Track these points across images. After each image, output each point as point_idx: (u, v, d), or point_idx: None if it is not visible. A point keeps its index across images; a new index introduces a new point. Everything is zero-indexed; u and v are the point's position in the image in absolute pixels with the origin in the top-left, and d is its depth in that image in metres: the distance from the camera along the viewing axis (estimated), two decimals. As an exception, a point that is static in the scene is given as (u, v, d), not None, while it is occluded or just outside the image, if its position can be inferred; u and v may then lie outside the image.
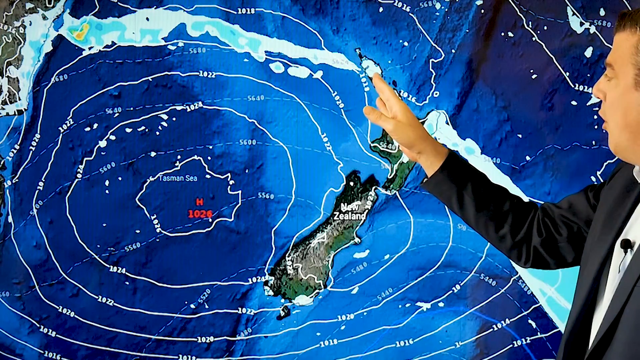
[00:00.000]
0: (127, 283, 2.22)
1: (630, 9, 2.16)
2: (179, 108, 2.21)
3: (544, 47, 2.22)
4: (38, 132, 2.18)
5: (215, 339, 2.24)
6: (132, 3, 2.18)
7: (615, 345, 1.22)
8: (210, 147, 2.22)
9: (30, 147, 2.18)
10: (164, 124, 2.21)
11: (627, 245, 1.27)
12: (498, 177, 2.24)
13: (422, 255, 2.25)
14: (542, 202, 1.59)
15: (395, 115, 1.52)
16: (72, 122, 2.19)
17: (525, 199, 1.64)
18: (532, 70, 2.22)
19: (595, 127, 2.23)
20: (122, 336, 2.22)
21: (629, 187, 1.36)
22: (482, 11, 2.21)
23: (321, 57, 2.22)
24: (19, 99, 2.18)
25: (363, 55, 2.22)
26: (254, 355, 2.25)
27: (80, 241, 2.20)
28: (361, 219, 2.25)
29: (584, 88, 2.22)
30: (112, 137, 2.20)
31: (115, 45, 2.19)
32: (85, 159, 2.20)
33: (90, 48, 2.18)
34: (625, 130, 1.25)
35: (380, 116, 1.52)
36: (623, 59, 1.24)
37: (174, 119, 2.21)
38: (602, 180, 2.22)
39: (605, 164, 2.23)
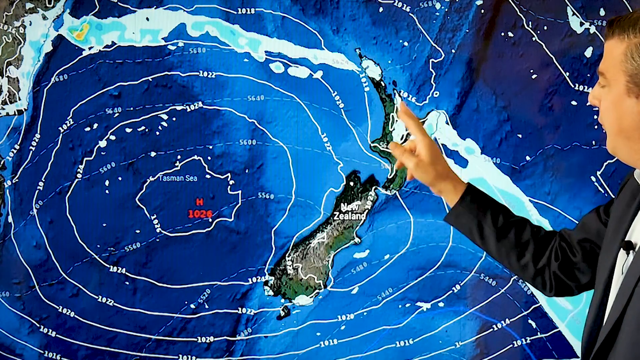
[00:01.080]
0: (127, 283, 2.22)
1: (630, 9, 2.16)
2: (179, 108, 2.21)
3: (544, 47, 2.22)
4: (38, 132, 2.18)
5: (215, 339, 2.24)
6: (132, 3, 2.18)
7: (618, 347, 1.22)
8: (210, 147, 2.22)
9: (30, 147, 2.18)
10: (164, 124, 2.21)
11: (629, 246, 1.27)
12: (498, 177, 2.24)
13: (422, 255, 2.25)
14: (561, 229, 1.59)
15: (419, 152, 1.52)
16: (72, 122, 2.19)
17: (548, 227, 1.65)
18: (532, 70, 2.22)
19: (595, 127, 2.23)
20: (122, 336, 2.22)
21: (635, 193, 1.37)
22: (482, 11, 2.21)
23: (321, 57, 2.22)
24: (19, 99, 2.18)
25: (363, 55, 2.22)
26: (254, 355, 2.25)
27: (80, 241, 2.20)
28: (361, 219, 2.25)
29: (584, 88, 2.22)
30: (112, 137, 2.20)
31: (115, 45, 2.19)
32: (85, 159, 2.20)
33: (90, 48, 2.18)
34: (619, 135, 1.26)
35: (403, 153, 1.52)
36: (614, 66, 1.24)
37: (174, 119, 2.21)
38: (602, 180, 2.22)
39: (605, 164, 2.23)
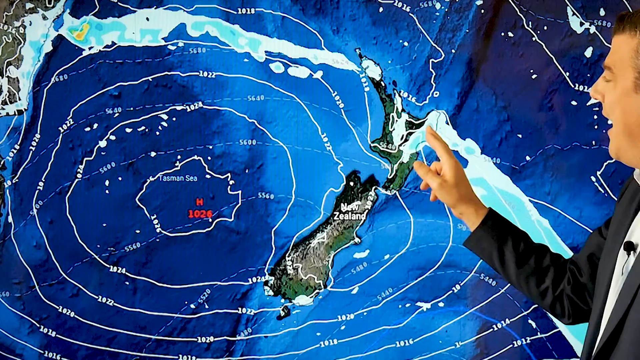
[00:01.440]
0: (127, 283, 2.22)
1: (630, 9, 2.16)
2: (179, 108, 2.21)
3: (544, 47, 2.22)
4: (38, 132, 2.18)
5: (215, 339, 2.25)
6: (132, 3, 2.18)
7: (621, 346, 1.22)
8: (210, 147, 2.22)
9: (30, 147, 2.18)
10: (164, 124, 2.21)
11: (629, 247, 1.27)
12: (498, 177, 2.24)
13: (422, 255, 2.25)
14: (574, 255, 1.59)
15: (444, 174, 1.52)
16: (72, 122, 2.19)
17: (567, 255, 1.65)
18: (532, 70, 2.22)
19: (595, 127, 2.23)
20: (122, 336, 2.22)
21: (635, 194, 1.37)
22: (482, 11, 2.21)
23: (321, 57, 2.22)
24: (19, 99, 2.18)
25: (363, 55, 2.22)
26: (254, 355, 2.25)
27: (80, 241, 2.20)
28: (361, 219, 2.25)
29: (584, 88, 2.22)
30: (112, 137, 2.20)
31: (115, 45, 2.19)
32: (85, 159, 2.20)
33: (90, 48, 2.18)
34: (624, 133, 1.25)
35: (428, 172, 1.52)
36: (622, 61, 1.24)
37: (174, 119, 2.21)
38: (602, 180, 2.22)
39: (605, 164, 2.23)
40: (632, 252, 1.27)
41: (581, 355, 1.38)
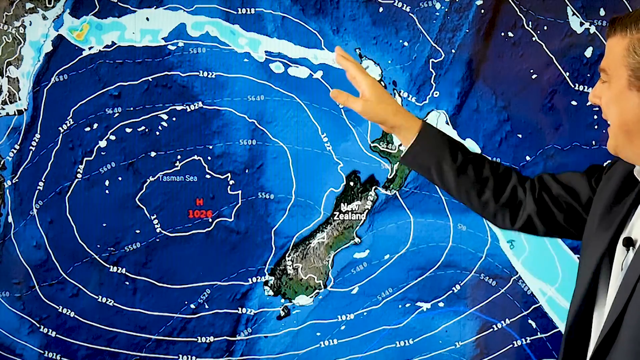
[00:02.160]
0: (127, 283, 2.22)
1: (630, 9, 2.17)
2: (179, 108, 2.21)
3: (544, 47, 2.22)
4: (38, 132, 2.18)
5: (215, 339, 2.25)
6: (132, 3, 2.18)
7: (620, 343, 1.23)
8: (210, 147, 2.22)
9: (30, 147, 2.18)
10: (164, 124, 2.21)
11: (629, 243, 1.28)
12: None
13: (422, 255, 2.25)
14: (540, 173, 1.58)
15: (363, 93, 1.50)
16: (72, 122, 2.19)
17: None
18: (532, 70, 2.22)
19: (595, 127, 2.23)
20: (122, 336, 2.22)
21: (628, 184, 1.38)
22: (482, 11, 2.21)
23: (321, 57, 2.22)
24: (19, 99, 2.18)
25: (363, 55, 2.22)
26: (254, 355, 2.25)
27: (80, 241, 2.20)
28: (361, 219, 2.25)
29: (584, 88, 2.22)
30: (112, 137, 2.20)
31: (115, 45, 2.19)
32: (85, 159, 2.20)
33: (90, 48, 2.18)
34: (621, 130, 1.29)
35: (347, 98, 1.50)
36: (616, 62, 1.28)
37: (174, 119, 2.21)
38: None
39: (605, 164, 2.22)
40: (631, 247, 1.28)
41: (561, 342, 1.38)
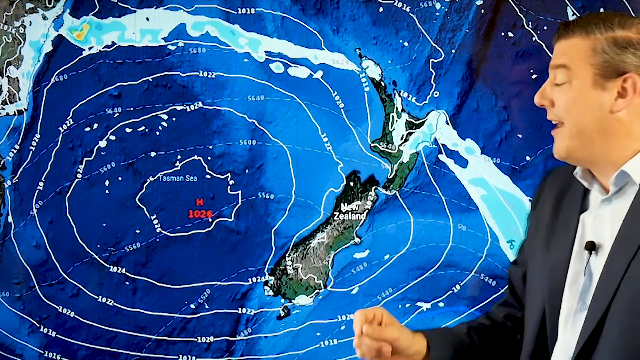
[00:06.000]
0: (127, 283, 2.22)
1: (630, 9, 2.17)
2: (179, 108, 2.21)
3: (544, 47, 2.22)
4: (38, 132, 2.18)
5: (215, 339, 2.25)
6: (132, 3, 2.18)
7: (602, 348, 1.22)
8: (210, 147, 2.22)
9: (30, 147, 2.18)
10: (164, 124, 2.21)
11: (592, 247, 1.28)
12: (498, 177, 2.23)
13: (422, 255, 2.25)
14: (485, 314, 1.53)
15: (397, 347, 1.38)
16: (72, 122, 2.19)
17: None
18: (532, 70, 2.22)
19: (595, 127, 2.23)
20: (122, 336, 2.23)
21: (565, 195, 1.38)
22: (482, 11, 2.21)
23: (321, 57, 2.22)
24: (19, 99, 2.18)
25: (363, 55, 2.22)
26: (254, 355, 2.25)
27: (80, 241, 2.20)
28: (361, 219, 2.25)
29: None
30: (112, 137, 2.20)
31: (115, 45, 2.19)
32: (85, 159, 2.20)
33: (90, 48, 2.18)
34: (577, 133, 1.29)
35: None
36: (577, 62, 1.28)
37: (174, 119, 2.21)
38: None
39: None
40: (599, 251, 1.27)
41: (525, 354, 1.36)
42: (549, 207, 1.40)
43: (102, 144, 2.20)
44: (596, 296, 1.24)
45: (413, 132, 2.23)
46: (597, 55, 1.27)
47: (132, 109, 2.20)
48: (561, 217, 1.37)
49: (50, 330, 2.21)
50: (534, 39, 2.22)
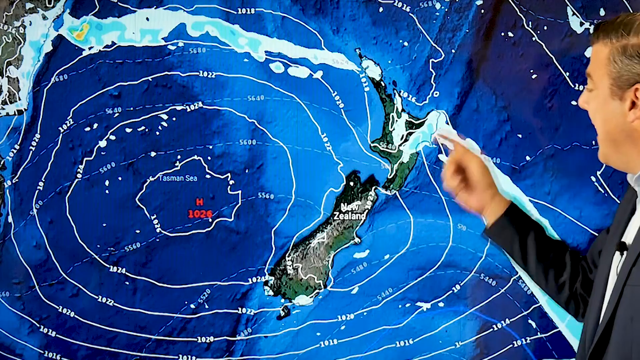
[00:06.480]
0: (127, 283, 2.22)
1: (630, 9, 2.17)
2: (179, 108, 2.21)
3: (544, 47, 2.22)
4: (38, 132, 2.18)
5: (215, 339, 2.25)
6: (132, 3, 2.18)
7: (611, 346, 1.23)
8: (210, 147, 2.22)
9: (30, 147, 2.18)
10: (164, 124, 2.21)
11: (622, 247, 1.29)
12: (498, 177, 2.24)
13: (422, 255, 2.25)
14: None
15: (471, 176, 1.53)
16: (72, 122, 2.19)
17: (548, 227, 1.67)
18: (532, 70, 2.22)
19: (595, 127, 2.23)
20: (122, 336, 2.22)
21: (630, 196, 1.39)
22: (482, 11, 2.21)
23: (321, 57, 2.22)
24: (19, 99, 2.18)
25: (363, 55, 2.22)
26: (254, 355, 2.25)
27: (80, 241, 2.20)
28: (361, 219, 2.25)
29: (584, 88, 2.22)
30: (112, 137, 2.20)
31: (115, 45, 2.19)
32: (85, 159, 2.20)
33: (90, 48, 2.18)
34: (607, 139, 1.30)
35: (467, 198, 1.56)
36: (600, 69, 1.29)
37: (174, 119, 2.21)
38: (602, 180, 2.22)
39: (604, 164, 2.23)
40: (625, 251, 1.28)
41: (577, 356, 1.39)
42: (624, 203, 1.43)
43: (102, 144, 2.20)
44: (612, 296, 1.25)
45: (413, 132, 2.23)
46: (611, 65, 1.27)
47: (132, 109, 2.20)
48: (617, 216, 1.40)
49: (50, 330, 2.21)
50: (534, 39, 2.22)
